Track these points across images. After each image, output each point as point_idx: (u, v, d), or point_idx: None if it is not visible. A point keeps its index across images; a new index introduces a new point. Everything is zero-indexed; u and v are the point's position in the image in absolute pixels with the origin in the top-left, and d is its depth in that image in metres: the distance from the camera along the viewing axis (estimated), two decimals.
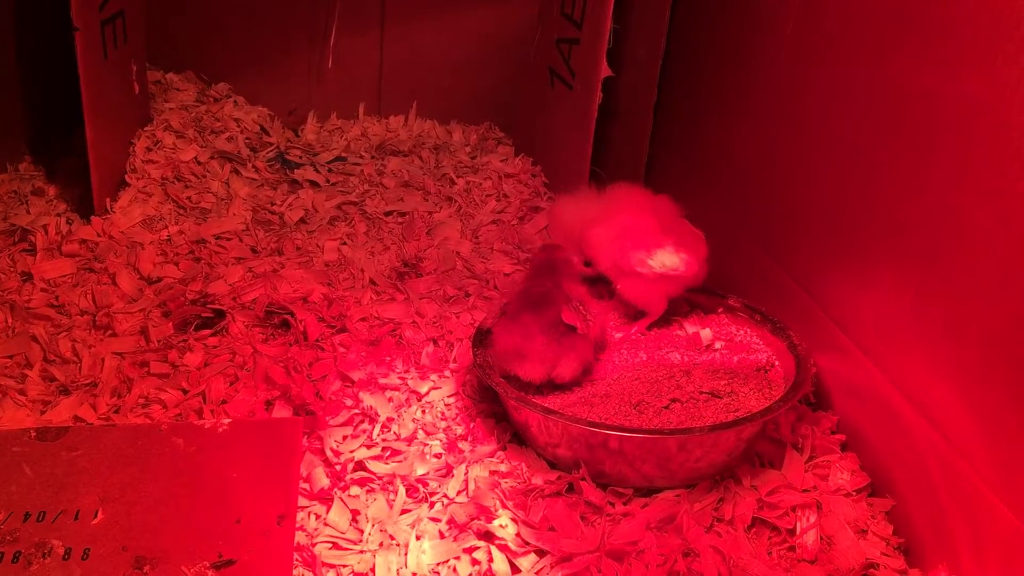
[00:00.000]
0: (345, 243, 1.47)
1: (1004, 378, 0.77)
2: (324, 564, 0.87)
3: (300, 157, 1.78)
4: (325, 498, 0.95)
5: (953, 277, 0.84)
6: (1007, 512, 0.76)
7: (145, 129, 1.64)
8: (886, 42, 0.95)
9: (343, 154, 1.83)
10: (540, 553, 0.88)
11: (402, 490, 0.96)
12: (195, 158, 1.63)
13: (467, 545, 0.89)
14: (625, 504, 0.95)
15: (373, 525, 0.91)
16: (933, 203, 0.87)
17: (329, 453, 1.00)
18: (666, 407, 1.01)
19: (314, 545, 0.89)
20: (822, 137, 1.08)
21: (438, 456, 1.02)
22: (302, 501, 0.94)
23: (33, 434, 0.97)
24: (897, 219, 0.93)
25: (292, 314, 1.22)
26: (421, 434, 1.05)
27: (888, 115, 0.94)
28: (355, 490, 0.96)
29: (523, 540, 0.89)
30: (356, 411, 1.07)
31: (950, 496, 0.84)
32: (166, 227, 1.46)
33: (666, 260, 1.11)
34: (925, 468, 0.88)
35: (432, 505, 0.95)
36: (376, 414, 1.06)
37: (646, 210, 1.15)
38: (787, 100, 1.16)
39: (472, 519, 0.92)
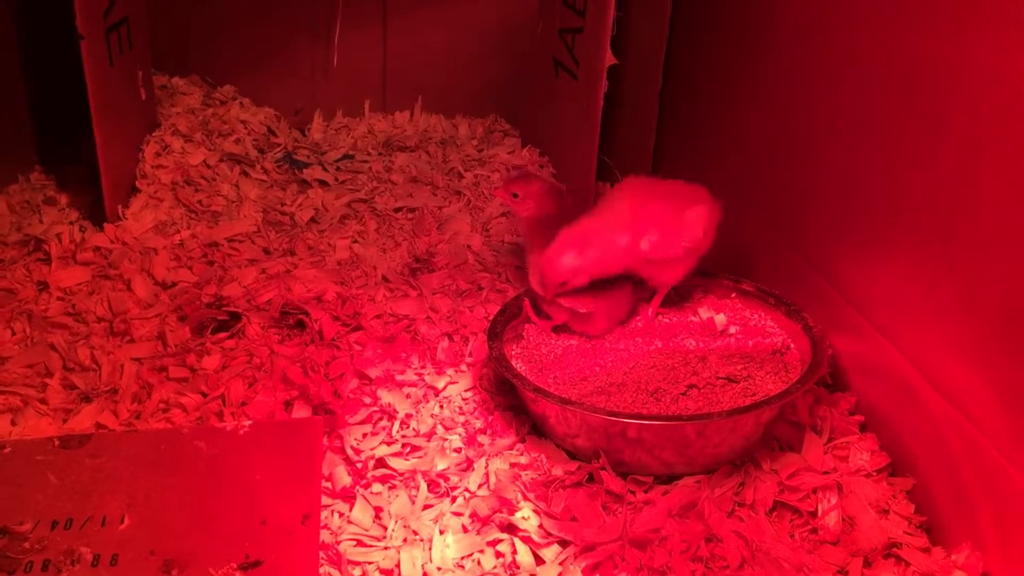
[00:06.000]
0: (356, 241, 1.48)
1: (1023, 353, 0.77)
2: (350, 562, 0.87)
3: (308, 156, 1.79)
4: (348, 496, 0.95)
5: (968, 252, 0.84)
6: None
7: (153, 134, 1.64)
8: (893, 13, 0.94)
9: (350, 152, 1.83)
10: (563, 544, 0.89)
11: (423, 486, 0.96)
12: (204, 161, 1.64)
13: (490, 538, 0.90)
14: (646, 492, 0.95)
15: (396, 521, 0.92)
16: (947, 178, 0.86)
17: (350, 451, 1.00)
18: (683, 393, 1.01)
19: (339, 543, 0.89)
20: (831, 115, 1.07)
21: (458, 451, 1.02)
22: (325, 500, 0.95)
23: (56, 442, 0.98)
24: (910, 195, 0.92)
25: (307, 314, 1.23)
26: (440, 429, 1.05)
27: (898, 89, 0.94)
28: (377, 487, 0.97)
29: (546, 531, 0.90)
30: (375, 408, 1.08)
31: (971, 473, 0.84)
32: (178, 231, 1.47)
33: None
34: (945, 446, 0.88)
35: (454, 500, 0.95)
36: (395, 411, 1.07)
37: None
38: (794, 78, 1.16)
39: (494, 512, 0.92)
